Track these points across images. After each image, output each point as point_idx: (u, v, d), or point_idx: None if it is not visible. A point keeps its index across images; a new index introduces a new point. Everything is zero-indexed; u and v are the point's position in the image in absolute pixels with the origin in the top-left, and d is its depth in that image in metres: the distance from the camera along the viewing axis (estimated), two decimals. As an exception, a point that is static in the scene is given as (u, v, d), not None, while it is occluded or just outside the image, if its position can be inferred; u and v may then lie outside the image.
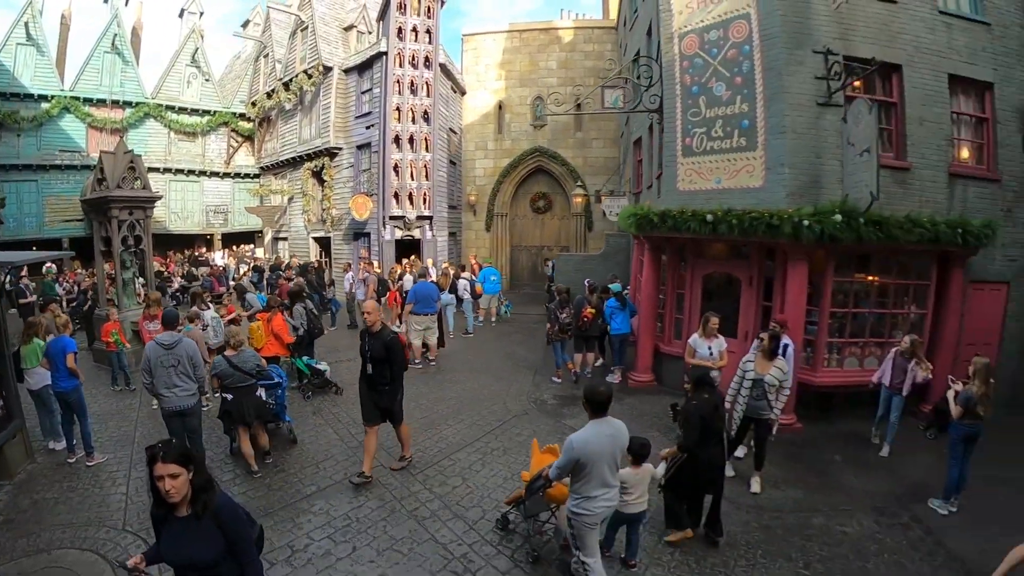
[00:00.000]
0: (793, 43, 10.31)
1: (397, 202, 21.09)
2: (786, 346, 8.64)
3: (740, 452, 8.41)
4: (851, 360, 10.69)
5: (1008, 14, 11.95)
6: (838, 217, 9.11)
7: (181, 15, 30.57)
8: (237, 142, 30.05)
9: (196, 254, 27.64)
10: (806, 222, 9.09)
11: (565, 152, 25.19)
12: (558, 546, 6.33)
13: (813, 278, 10.18)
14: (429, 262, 19.55)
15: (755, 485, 7.97)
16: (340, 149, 23.56)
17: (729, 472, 7.97)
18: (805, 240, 9.25)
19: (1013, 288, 11.82)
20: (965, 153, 11.88)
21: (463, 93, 26.04)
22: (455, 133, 25.52)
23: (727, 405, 7.64)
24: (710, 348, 8.94)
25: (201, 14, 30.56)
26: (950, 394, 7.83)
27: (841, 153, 9.98)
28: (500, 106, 25.85)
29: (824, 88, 10.23)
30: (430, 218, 21.75)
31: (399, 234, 21.51)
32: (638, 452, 5.81)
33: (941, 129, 11.19)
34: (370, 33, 25.20)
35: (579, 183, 23.17)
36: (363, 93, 22.67)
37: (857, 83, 10.79)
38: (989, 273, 11.60)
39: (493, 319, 18.81)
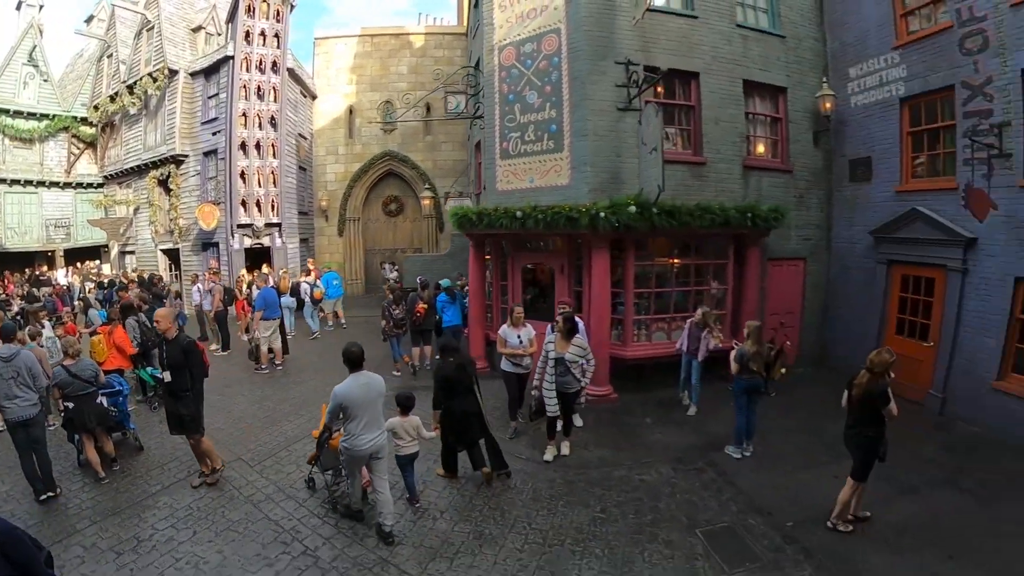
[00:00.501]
0: (597, 55, 12.20)
1: (245, 210, 21.45)
2: (577, 324, 9.62)
3: (548, 455, 9.27)
4: (659, 334, 12.78)
5: (802, 28, 14.54)
6: (632, 208, 10.99)
7: (19, 7, 29.14)
8: (79, 149, 29.41)
9: (37, 273, 26.10)
10: (602, 214, 10.89)
11: (415, 155, 26.30)
12: (349, 492, 7.46)
13: (617, 263, 12.23)
14: (283, 271, 20.11)
15: (564, 448, 9.54)
16: (186, 156, 23.54)
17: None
18: (602, 230, 11.09)
19: (809, 263, 14.69)
20: (761, 148, 14.41)
21: (314, 97, 26.67)
22: (305, 138, 26.10)
23: (535, 383, 8.96)
24: (519, 336, 9.79)
25: (41, 7, 29.29)
26: (732, 354, 9.67)
27: (637, 152, 11.88)
28: (351, 110, 26.79)
29: (625, 95, 12.19)
30: (279, 225, 22.32)
31: (248, 242, 21.86)
32: (404, 404, 7.53)
33: (736, 128, 13.56)
34: (219, 35, 25.29)
35: (427, 186, 24.29)
36: (210, 98, 22.84)
37: (660, 89, 12.94)
38: (786, 251, 14.28)
39: (342, 322, 19.77)
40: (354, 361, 6.69)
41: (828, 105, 14.05)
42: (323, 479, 7.90)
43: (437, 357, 14.51)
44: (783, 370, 12.43)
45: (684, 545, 6.87)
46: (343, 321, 19.66)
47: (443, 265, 16.22)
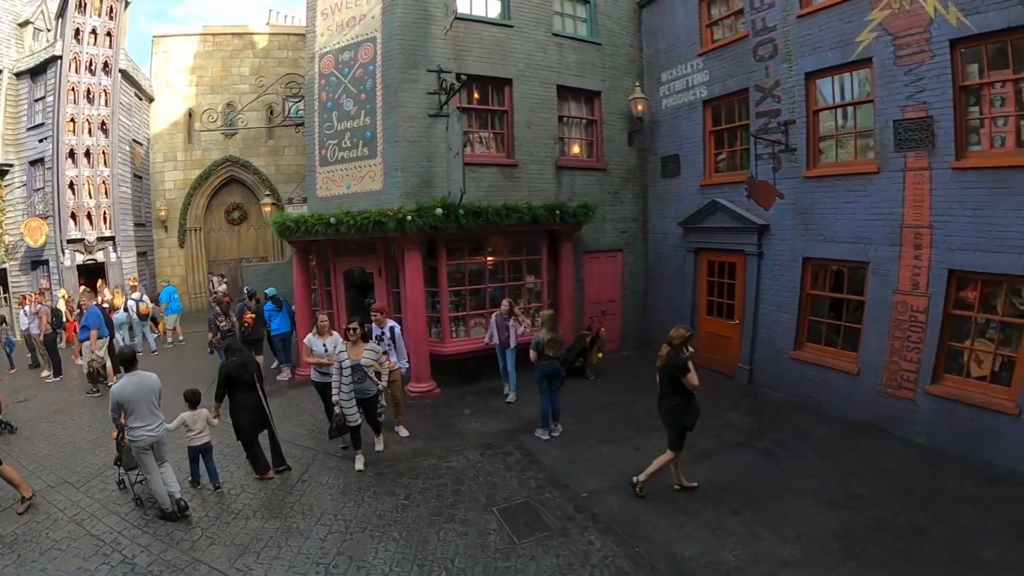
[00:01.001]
0: (409, 63, 12.67)
1: (75, 223, 20.40)
2: (393, 328, 10.29)
3: (359, 464, 9.22)
4: (478, 329, 13.35)
5: (619, 36, 15.62)
6: (439, 211, 11.51)
7: None
8: None
9: None
10: (409, 217, 11.37)
11: (257, 161, 25.72)
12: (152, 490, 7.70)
13: (431, 264, 12.83)
14: (115, 288, 19.46)
15: (379, 444, 9.91)
16: (11, 166, 21.53)
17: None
18: (411, 233, 11.57)
19: (627, 254, 15.98)
20: (576, 149, 15.40)
21: (151, 100, 25.38)
22: (141, 144, 24.79)
23: (334, 396, 9.06)
24: (325, 345, 9.73)
25: None
26: (532, 343, 10.35)
27: (446, 156, 12.40)
28: (191, 114, 25.68)
29: (436, 102, 12.70)
30: (113, 239, 21.36)
31: (80, 258, 20.79)
32: (191, 399, 8.27)
33: (548, 131, 14.43)
34: (49, 31, 23.11)
35: (268, 192, 23.48)
36: (36, 101, 21.19)
37: (476, 95, 13.64)
38: (604, 244, 15.44)
39: (180, 338, 19.32)
40: (127, 361, 7.51)
41: (640, 107, 15.23)
42: (128, 479, 8.21)
43: (274, 366, 14.63)
44: (600, 354, 13.53)
45: (479, 522, 7.37)
46: (181, 337, 19.11)
47: (286, 273, 16.31)
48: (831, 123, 11.82)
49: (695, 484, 8.19)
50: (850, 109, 11.49)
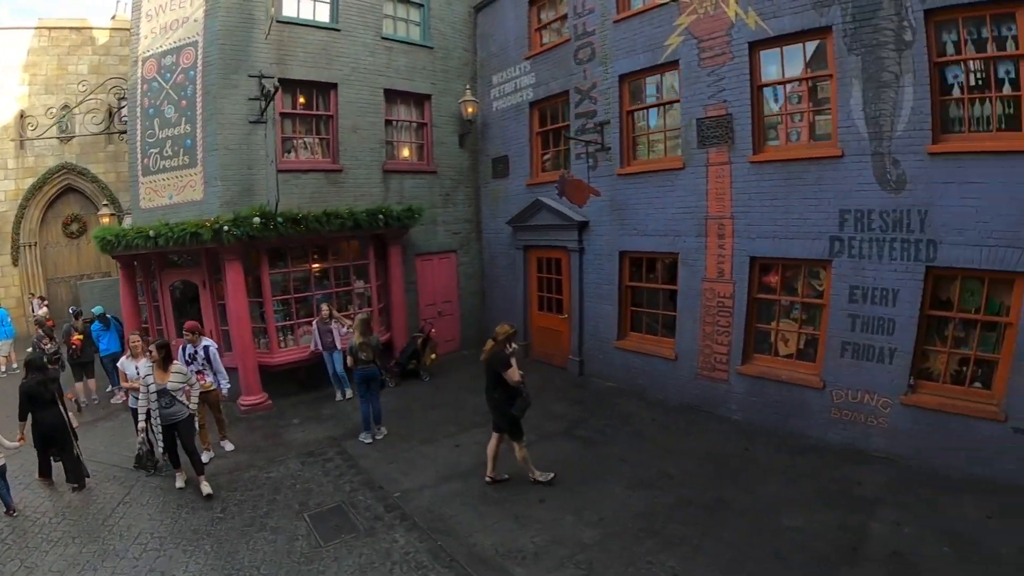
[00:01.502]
0: (230, 68, 12.47)
1: None
2: (207, 347, 9.86)
3: (179, 482, 8.95)
4: (307, 337, 13.28)
5: (453, 40, 15.92)
6: (257, 220, 11.43)
7: None
8: None
9: None
10: (226, 227, 11.23)
11: (96, 168, 24.12)
12: None
13: (254, 273, 12.71)
14: None
15: (205, 456, 9.68)
16: None
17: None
18: (228, 243, 11.40)
19: (461, 255, 16.34)
20: (406, 152, 15.60)
21: None
22: None
23: (140, 423, 8.96)
24: (137, 368, 9.29)
25: None
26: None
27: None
28: (22, 116, 23.11)
29: (257, 108, 12.58)
30: None
31: None
32: None
33: (375, 135, 14.55)
34: None
35: (105, 202, 22.22)
36: None
37: (302, 99, 13.62)
38: (436, 245, 15.76)
39: (14, 366, 17.66)
40: None
41: (470, 110, 15.60)
42: None
43: (109, 389, 13.93)
44: (434, 355, 13.82)
45: (289, 529, 7.47)
46: (15, 365, 16.99)
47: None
48: (644, 123, 12.59)
49: (507, 477, 8.53)
50: (660, 109, 12.23)
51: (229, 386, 10.21)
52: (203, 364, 9.82)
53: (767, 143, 10.53)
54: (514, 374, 7.75)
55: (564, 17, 13.51)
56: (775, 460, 9.18)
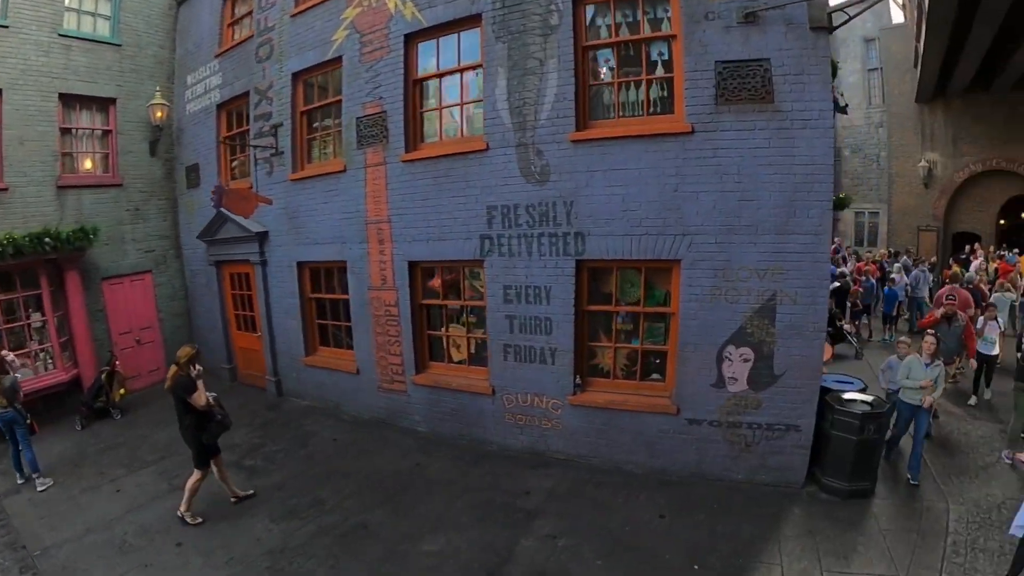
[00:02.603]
0: None
1: None
2: None
3: None
4: None
5: (147, 36, 13.81)
6: None
7: None
8: None
9: None
10: None
11: None
12: None
13: None
14: None
15: None
16: None
17: None
18: None
19: (158, 275, 14.15)
20: (89, 164, 13.33)
21: None
22: None
23: None
24: None
25: None
26: None
27: None
28: None
29: None
30: None
31: None
32: None
33: (47, 146, 12.25)
34: None
35: None
36: None
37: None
38: (126, 267, 13.53)
39: None
40: None
41: (160, 114, 13.65)
42: None
43: None
44: (123, 390, 11.86)
45: None
46: None
47: None
48: (317, 124, 11.44)
49: (252, 492, 8.16)
50: (331, 109, 11.07)
51: None
52: None
53: (425, 141, 9.72)
54: (200, 398, 7.08)
55: (252, 13, 12.06)
56: (448, 473, 8.61)
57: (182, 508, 7.42)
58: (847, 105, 12.02)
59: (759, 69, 7.48)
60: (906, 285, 16.01)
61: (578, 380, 8.73)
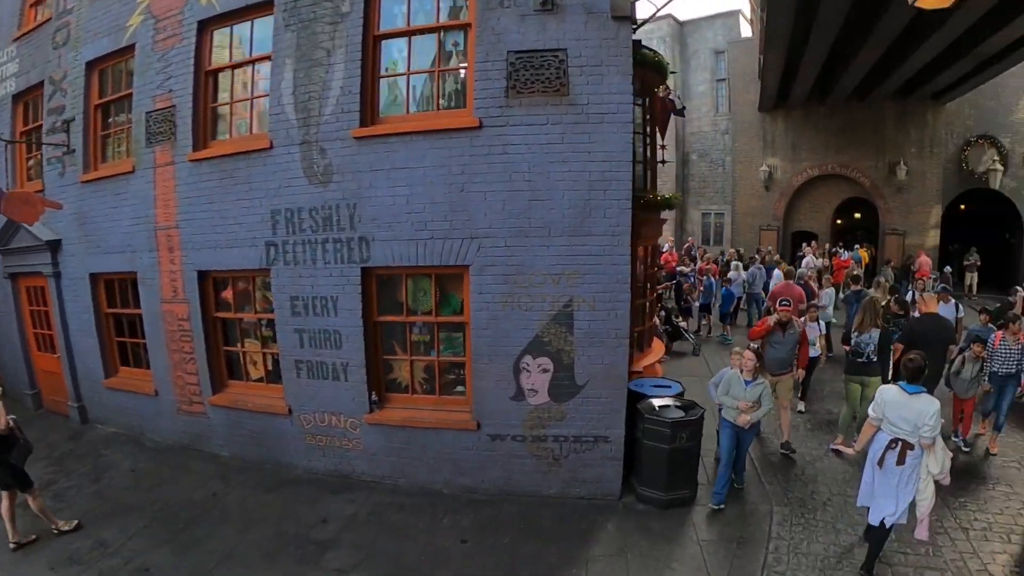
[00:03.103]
0: None
1: None
2: None
3: None
4: None
5: None
6: None
7: None
8: None
9: None
10: None
11: None
12: None
13: None
14: None
15: None
16: None
17: None
18: None
19: None
20: None
21: None
22: None
23: None
24: None
25: None
26: None
27: None
28: None
29: None
30: None
31: None
32: None
33: None
34: None
35: None
36: None
37: None
38: None
39: None
40: None
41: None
42: None
43: None
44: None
45: None
46: None
47: None
48: (111, 119, 10.27)
49: (35, 537, 7.06)
50: (123, 103, 9.94)
51: None
52: None
53: (217, 138, 8.81)
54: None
55: (59, -12, 10.64)
56: (246, 502, 7.83)
57: (11, 538, 6.79)
58: (684, 107, 11.89)
59: (554, 60, 6.99)
60: (743, 282, 16.26)
61: (374, 397, 8.07)
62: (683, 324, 15.03)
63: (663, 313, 13.83)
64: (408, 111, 7.78)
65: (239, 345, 9.10)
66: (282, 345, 8.33)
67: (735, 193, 26.80)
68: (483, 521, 7.27)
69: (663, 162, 10.88)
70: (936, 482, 5.55)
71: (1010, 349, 8.19)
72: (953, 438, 8.52)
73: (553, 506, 7.54)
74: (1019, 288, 12.40)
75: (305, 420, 8.45)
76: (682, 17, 27.93)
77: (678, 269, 17.11)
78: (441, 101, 7.66)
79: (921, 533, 5.78)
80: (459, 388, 8.06)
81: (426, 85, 7.81)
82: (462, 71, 7.53)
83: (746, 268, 16.88)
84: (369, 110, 7.69)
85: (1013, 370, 8.23)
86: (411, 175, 7.41)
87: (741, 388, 7.11)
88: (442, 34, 7.63)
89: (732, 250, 21.85)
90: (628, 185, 7.11)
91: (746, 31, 25.67)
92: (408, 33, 7.67)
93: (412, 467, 8.11)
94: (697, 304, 16.05)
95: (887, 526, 5.59)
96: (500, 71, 7.12)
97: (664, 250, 19.83)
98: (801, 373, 9.23)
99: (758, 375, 7.18)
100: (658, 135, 10.06)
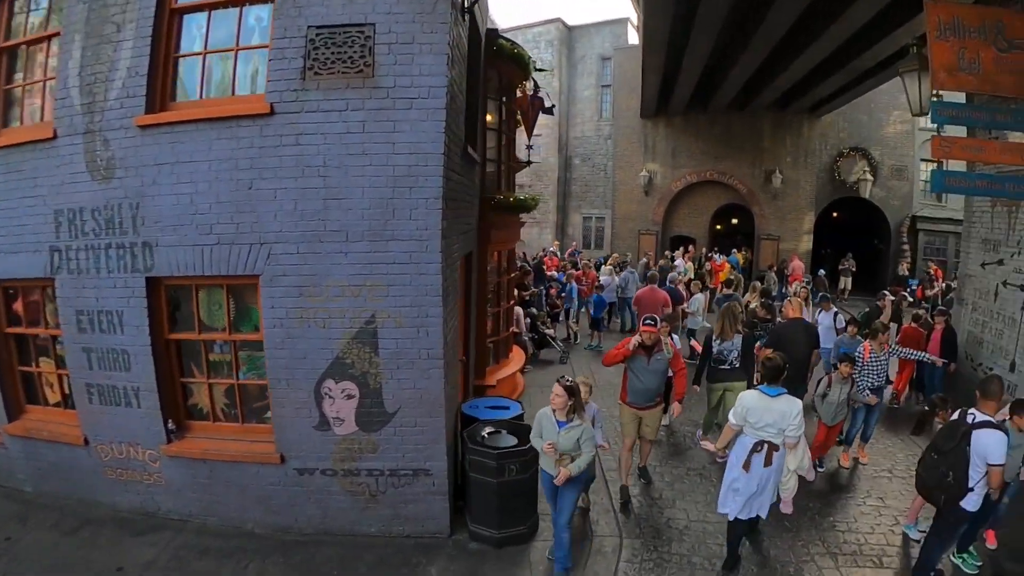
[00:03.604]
0: None
1: None
2: None
3: None
4: None
5: None
6: None
7: None
8: None
9: None
10: None
11: None
12: None
13: None
14: None
15: None
16: None
17: None
18: None
19: None
20: None
21: None
22: None
23: None
24: None
25: None
26: None
27: None
28: None
29: None
30: None
31: None
32: None
33: None
34: None
35: None
36: None
37: None
38: None
39: None
40: None
41: None
42: None
43: None
44: None
45: None
46: None
47: None
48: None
49: None
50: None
51: None
52: None
53: (8, 125, 7.60)
54: None
55: None
56: (41, 545, 6.74)
57: None
58: (554, 106, 11.06)
59: (360, 36, 6.03)
60: (616, 287, 15.85)
61: (171, 425, 6.98)
62: (550, 332, 14.26)
63: (528, 320, 12.91)
64: (202, 96, 6.69)
65: (34, 365, 7.87)
66: (71, 366, 7.21)
67: (615, 197, 27.22)
68: (296, 566, 6.33)
69: (529, 163, 10.03)
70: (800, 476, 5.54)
71: (879, 360, 7.94)
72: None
73: (376, 547, 6.60)
74: (886, 292, 12.70)
75: (102, 451, 7.33)
76: (571, 22, 28.11)
77: (549, 274, 16.79)
78: (238, 85, 6.57)
79: (786, 508, 6.09)
80: (268, 415, 6.96)
81: (224, 67, 6.66)
82: (262, 50, 6.46)
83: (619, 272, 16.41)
84: (159, 95, 6.59)
85: (883, 382, 8.10)
86: (196, 170, 6.34)
87: (554, 431, 5.55)
88: (244, 9, 6.56)
89: (615, 255, 21.69)
90: (438, 182, 6.11)
91: (633, 39, 25.72)
92: (209, 6, 6.59)
93: (221, 504, 7.05)
94: (562, 311, 15.57)
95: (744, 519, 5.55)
96: (298, 49, 6.10)
97: (544, 254, 20.35)
98: (678, 409, 7.34)
99: (573, 415, 5.54)
100: (525, 135, 9.05)
